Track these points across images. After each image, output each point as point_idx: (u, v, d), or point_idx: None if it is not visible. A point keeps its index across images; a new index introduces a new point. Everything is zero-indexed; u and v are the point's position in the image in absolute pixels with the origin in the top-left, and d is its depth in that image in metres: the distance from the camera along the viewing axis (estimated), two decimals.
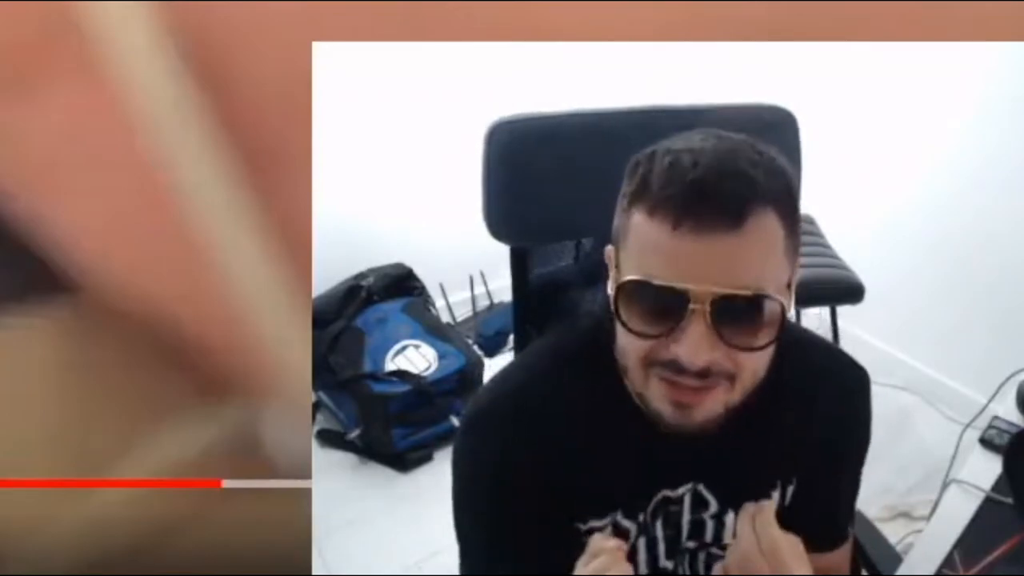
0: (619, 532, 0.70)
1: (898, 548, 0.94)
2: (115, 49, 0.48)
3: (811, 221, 1.86)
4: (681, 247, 0.53)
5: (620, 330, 0.60)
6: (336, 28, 0.47)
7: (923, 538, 0.89)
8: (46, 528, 0.52)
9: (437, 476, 1.85)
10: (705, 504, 0.72)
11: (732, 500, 0.72)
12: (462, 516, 0.73)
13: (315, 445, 1.92)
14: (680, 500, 0.72)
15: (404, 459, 1.85)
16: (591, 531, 0.69)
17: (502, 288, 2.26)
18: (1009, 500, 0.90)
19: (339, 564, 1.60)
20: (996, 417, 1.04)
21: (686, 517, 0.73)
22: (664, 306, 0.55)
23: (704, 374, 0.56)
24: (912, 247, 2.00)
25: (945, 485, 0.96)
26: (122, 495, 0.53)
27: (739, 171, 0.54)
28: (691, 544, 0.75)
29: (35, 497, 0.52)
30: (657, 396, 0.60)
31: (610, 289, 0.60)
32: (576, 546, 0.66)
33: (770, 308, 0.55)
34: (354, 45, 1.73)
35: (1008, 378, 1.09)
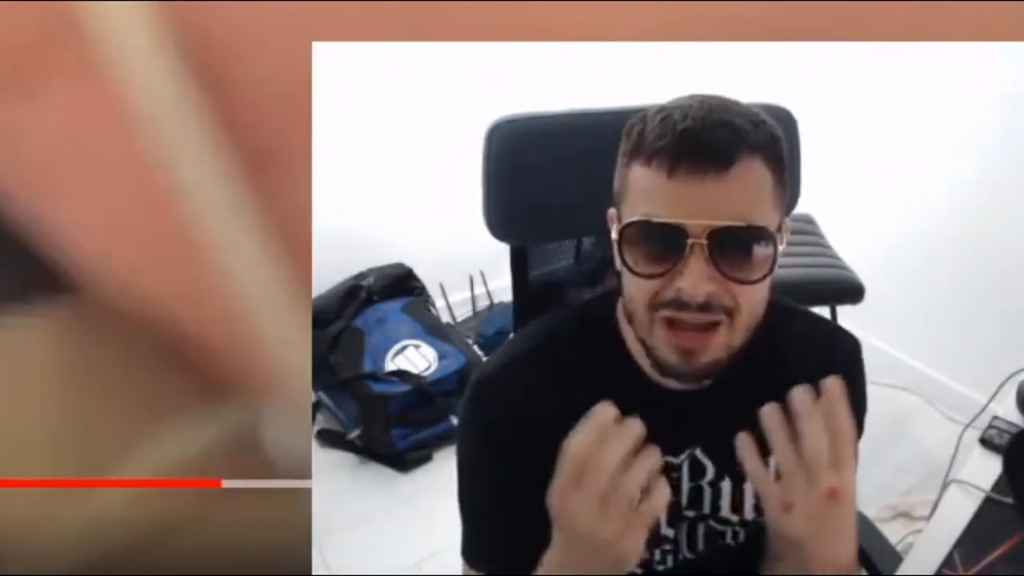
0: None
1: (898, 548, 0.94)
2: (115, 49, 0.48)
3: (811, 221, 1.86)
4: (677, 190, 0.58)
5: (626, 277, 0.63)
6: (336, 28, 0.47)
7: (923, 538, 0.89)
8: (46, 528, 0.52)
9: (437, 476, 1.85)
10: (702, 470, 0.73)
11: (728, 466, 0.73)
12: (464, 481, 0.74)
13: (315, 445, 1.92)
14: (679, 467, 0.73)
15: (404, 459, 1.85)
16: None
17: (502, 288, 2.26)
18: (1009, 500, 0.90)
19: (339, 564, 1.60)
20: (996, 417, 1.04)
21: (685, 484, 0.74)
22: (665, 244, 0.59)
23: (705, 308, 0.59)
24: (912, 247, 2.00)
25: (945, 485, 0.95)
26: (122, 495, 0.53)
27: (726, 120, 0.58)
28: (690, 513, 0.76)
29: (35, 497, 0.52)
30: (663, 343, 0.63)
31: (614, 234, 0.63)
32: None
33: (763, 241, 0.59)
34: (354, 45, 1.73)
35: (1008, 378, 1.09)
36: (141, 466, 0.53)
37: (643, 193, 0.60)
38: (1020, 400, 1.07)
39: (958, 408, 1.81)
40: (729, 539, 0.78)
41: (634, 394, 0.67)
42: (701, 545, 0.79)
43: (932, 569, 0.82)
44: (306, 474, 0.56)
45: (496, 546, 0.74)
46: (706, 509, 0.76)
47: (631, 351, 0.70)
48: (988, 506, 0.90)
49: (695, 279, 0.58)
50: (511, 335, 0.77)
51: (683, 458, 0.73)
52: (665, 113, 0.60)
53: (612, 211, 0.66)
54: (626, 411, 0.68)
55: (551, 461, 0.67)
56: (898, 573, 0.85)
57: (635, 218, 0.60)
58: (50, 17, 0.48)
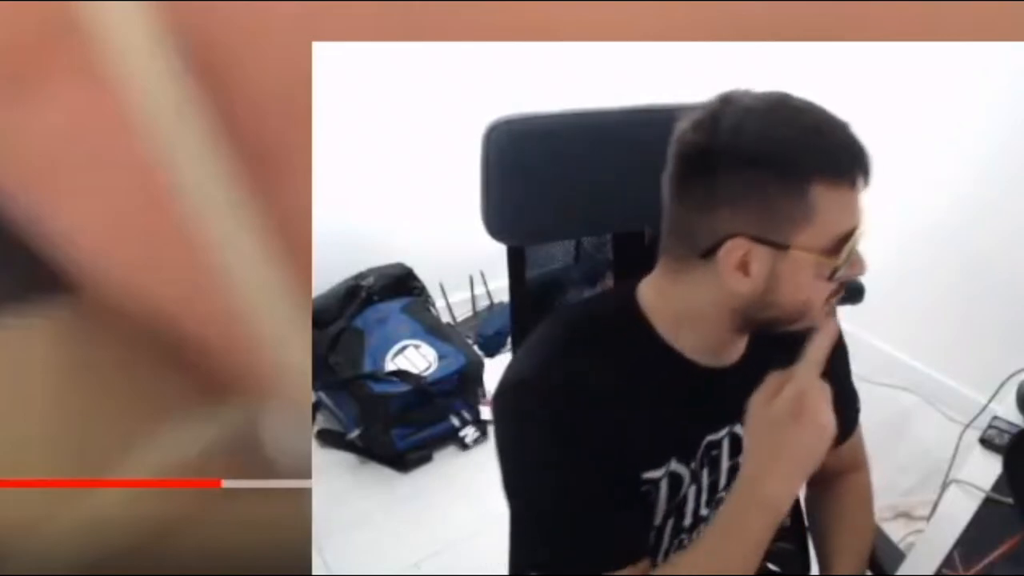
0: (674, 480, 0.72)
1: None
2: (115, 49, 0.48)
3: None
4: (855, 196, 0.62)
5: (810, 284, 0.64)
6: (336, 28, 0.47)
7: (923, 538, 0.89)
8: (46, 528, 0.52)
9: (437, 476, 1.85)
10: (741, 444, 0.74)
11: None
12: (523, 480, 0.71)
13: (315, 445, 1.92)
14: (720, 444, 0.74)
15: (404, 459, 1.85)
16: (650, 481, 0.70)
17: (502, 288, 2.26)
18: (1009, 500, 0.90)
19: (339, 564, 1.60)
20: (996, 417, 1.04)
21: (725, 463, 0.75)
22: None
23: None
24: (913, 248, 2.00)
25: (945, 485, 0.95)
26: (122, 495, 0.53)
27: (844, 121, 0.63)
28: (725, 494, 0.76)
29: (35, 497, 0.52)
30: (821, 315, 0.67)
31: (802, 257, 0.62)
32: (636, 498, 0.69)
33: None
34: (354, 45, 1.73)
35: (1008, 378, 1.09)
36: (141, 466, 0.53)
37: (836, 208, 0.61)
38: (1020, 400, 1.07)
39: (958, 408, 1.81)
40: None
41: (677, 376, 0.70)
42: None
43: (932, 569, 0.83)
44: (306, 474, 0.56)
45: (577, 542, 0.69)
46: None
47: (663, 335, 0.70)
48: (988, 506, 0.90)
49: (863, 257, 0.64)
50: (542, 330, 0.75)
51: (723, 434, 0.74)
52: (817, 123, 0.61)
53: (760, 250, 0.62)
54: (672, 392, 0.70)
55: (606, 453, 0.67)
56: (898, 573, 0.85)
57: (847, 265, 0.63)
58: (50, 17, 0.48)
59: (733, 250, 0.62)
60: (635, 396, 0.69)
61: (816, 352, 0.63)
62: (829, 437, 0.61)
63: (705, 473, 0.74)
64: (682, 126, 0.63)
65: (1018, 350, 1.15)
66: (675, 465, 0.71)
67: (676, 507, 0.73)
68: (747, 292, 0.63)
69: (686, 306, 0.68)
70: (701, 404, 0.72)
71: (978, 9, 0.47)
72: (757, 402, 0.63)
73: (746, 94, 0.63)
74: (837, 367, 0.84)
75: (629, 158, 0.82)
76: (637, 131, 0.83)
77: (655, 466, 0.71)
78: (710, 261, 0.63)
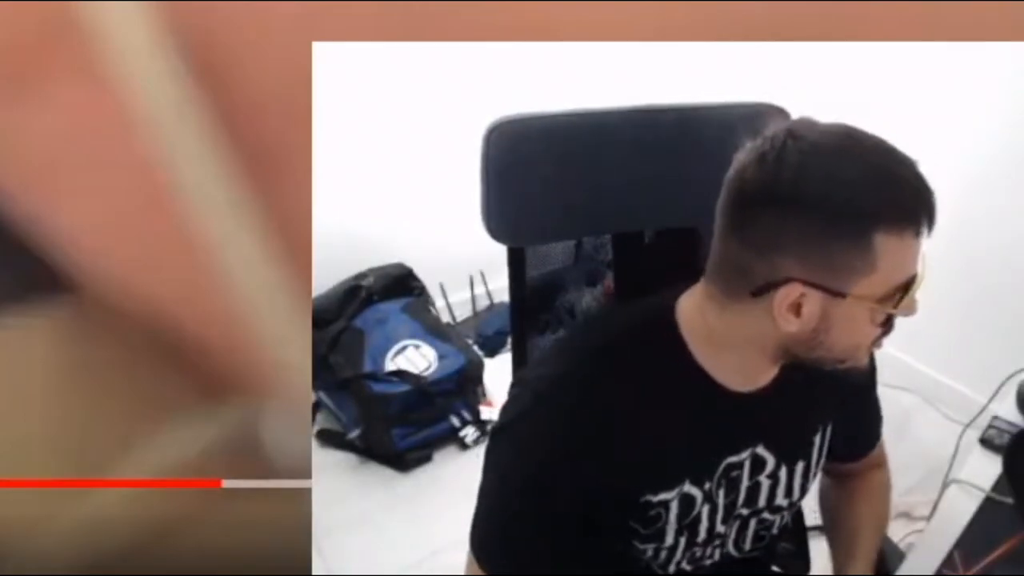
0: (686, 501, 0.71)
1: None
2: (115, 49, 0.48)
3: None
4: (918, 243, 0.61)
5: (864, 329, 0.64)
6: (336, 28, 0.47)
7: (923, 538, 0.89)
8: (46, 528, 0.52)
9: (437, 476, 1.85)
10: (763, 465, 0.75)
11: (785, 455, 0.76)
12: (524, 492, 0.70)
13: (315, 445, 1.92)
14: (741, 465, 0.74)
15: (404, 459, 1.85)
16: (660, 503, 0.70)
17: (502, 288, 2.25)
18: (1009, 500, 0.90)
19: (339, 564, 1.60)
20: (996, 417, 1.04)
21: (745, 483, 0.75)
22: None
23: None
24: None
25: (945, 485, 0.96)
26: (122, 495, 0.53)
27: (912, 160, 0.62)
28: (744, 511, 0.77)
29: (35, 497, 0.52)
30: (866, 354, 0.69)
31: (869, 320, 0.63)
32: (642, 520, 0.69)
33: None
34: (354, 45, 1.73)
35: (1008, 378, 1.09)
36: (141, 466, 0.53)
37: (897, 260, 0.60)
38: (1020, 400, 1.07)
39: (958, 408, 1.80)
40: (775, 528, 0.81)
41: (706, 400, 0.69)
42: (749, 541, 0.81)
43: (932, 569, 0.83)
44: (306, 474, 0.56)
45: (537, 555, 0.70)
46: (762, 503, 0.77)
47: (697, 358, 0.69)
48: (988, 506, 0.90)
49: (915, 299, 0.63)
50: (568, 339, 0.76)
51: (745, 456, 0.74)
52: (892, 168, 0.59)
53: (807, 294, 0.60)
54: (697, 415, 0.70)
55: (617, 471, 0.67)
56: (898, 573, 0.85)
57: (904, 308, 0.62)
58: (50, 17, 0.48)
59: (788, 293, 0.60)
60: (657, 418, 0.68)
61: None
62: None
63: (721, 493, 0.74)
64: (743, 159, 0.60)
65: (1018, 350, 1.15)
66: (688, 487, 0.71)
67: (689, 525, 0.73)
68: (796, 332, 0.62)
69: (729, 335, 0.67)
70: (726, 427, 0.71)
71: (978, 9, 0.47)
72: None
73: (812, 127, 0.60)
74: (867, 381, 0.85)
75: (629, 158, 0.82)
76: (637, 131, 0.83)
77: (666, 488, 0.70)
78: (761, 299, 0.62)
